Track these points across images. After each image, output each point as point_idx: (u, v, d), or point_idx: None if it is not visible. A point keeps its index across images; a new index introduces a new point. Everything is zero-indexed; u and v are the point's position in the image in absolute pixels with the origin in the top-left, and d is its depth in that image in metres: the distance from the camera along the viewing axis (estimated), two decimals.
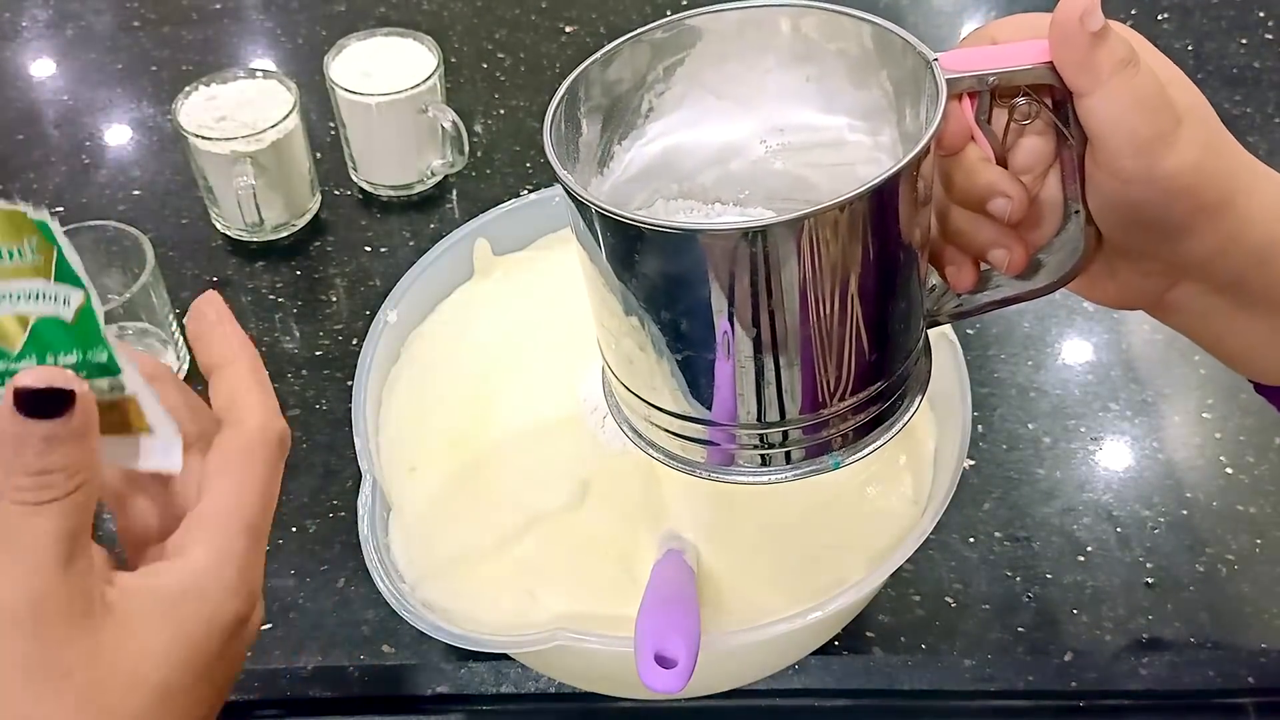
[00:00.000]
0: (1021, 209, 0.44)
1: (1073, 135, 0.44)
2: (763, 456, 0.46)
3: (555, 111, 0.44)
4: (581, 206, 0.41)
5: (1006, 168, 0.45)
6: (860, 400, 0.45)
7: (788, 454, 0.46)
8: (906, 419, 0.47)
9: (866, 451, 0.46)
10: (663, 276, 0.41)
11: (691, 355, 0.43)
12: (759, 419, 0.45)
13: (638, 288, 0.42)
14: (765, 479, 0.47)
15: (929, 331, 0.49)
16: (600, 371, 0.54)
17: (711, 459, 0.47)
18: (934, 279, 0.49)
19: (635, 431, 0.49)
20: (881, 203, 0.40)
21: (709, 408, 0.45)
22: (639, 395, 0.47)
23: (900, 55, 0.43)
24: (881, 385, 0.45)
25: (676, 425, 0.47)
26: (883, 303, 0.43)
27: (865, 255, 0.41)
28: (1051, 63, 0.42)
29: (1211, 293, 0.48)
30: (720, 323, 0.42)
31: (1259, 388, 0.53)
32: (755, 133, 0.47)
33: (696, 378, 0.44)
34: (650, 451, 0.49)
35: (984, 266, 0.48)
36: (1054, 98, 0.44)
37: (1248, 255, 0.46)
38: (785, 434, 0.45)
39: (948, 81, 0.42)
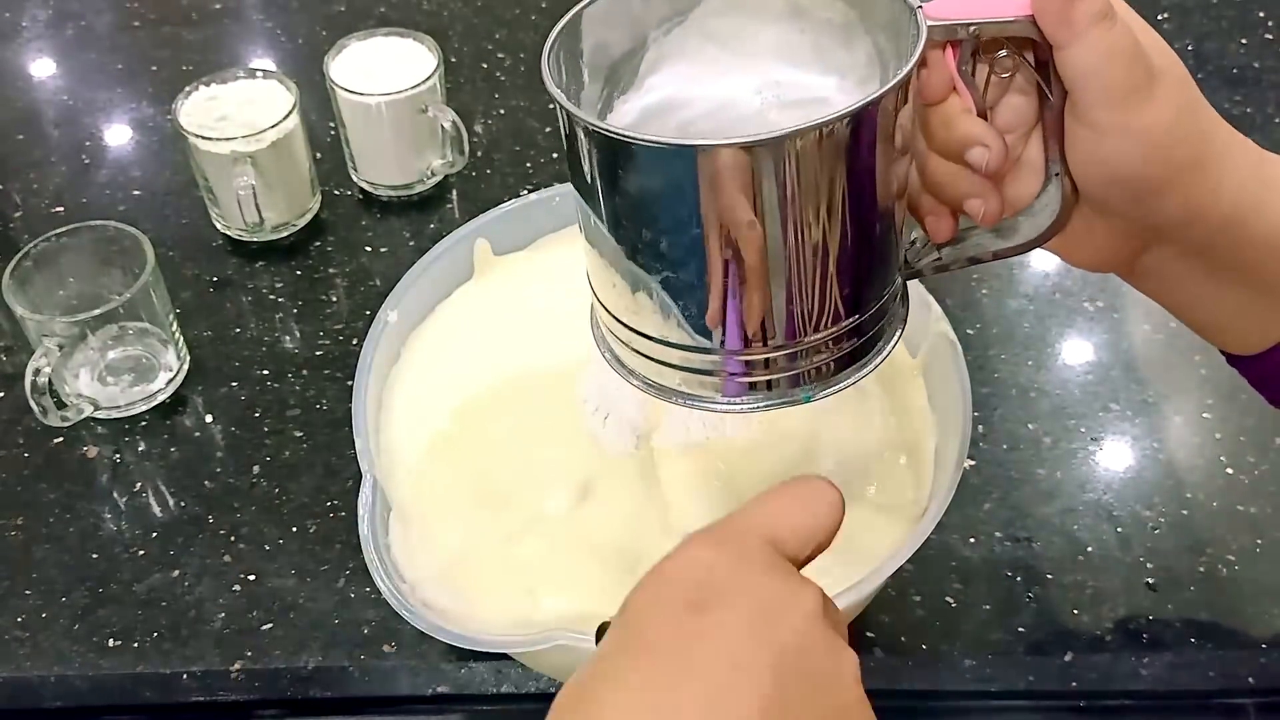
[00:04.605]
0: (999, 160, 0.45)
1: (1053, 92, 0.45)
2: (736, 384, 0.47)
3: (555, 40, 0.45)
4: (573, 124, 0.42)
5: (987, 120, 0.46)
6: (834, 333, 0.46)
7: (762, 383, 0.47)
8: (879, 360, 0.49)
9: (839, 387, 0.48)
10: (645, 192, 0.43)
11: (671, 276, 0.44)
12: (735, 345, 0.46)
13: (622, 205, 0.44)
14: (738, 407, 0.48)
15: (927, 316, 0.49)
16: (593, 373, 0.54)
17: (686, 385, 0.48)
18: (915, 233, 0.50)
19: (616, 358, 0.50)
20: (863, 127, 0.41)
21: (687, 331, 0.46)
22: (620, 319, 0.48)
23: (886, 5, 0.45)
24: (856, 321, 0.46)
25: (654, 350, 0.48)
26: (860, 234, 0.44)
27: (845, 181, 0.42)
28: (1032, 16, 0.43)
29: (1182, 257, 0.49)
30: (700, 241, 0.43)
31: (1230, 358, 0.53)
32: (752, 86, 0.47)
33: (676, 299, 0.45)
34: (630, 379, 0.50)
35: (962, 222, 0.49)
36: (1037, 56, 0.45)
37: (1217, 220, 0.47)
38: (760, 362, 0.46)
39: (929, 27, 0.43)
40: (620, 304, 0.48)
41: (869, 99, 0.40)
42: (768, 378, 0.47)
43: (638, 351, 0.48)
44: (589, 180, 0.44)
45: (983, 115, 0.46)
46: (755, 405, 0.48)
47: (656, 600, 0.39)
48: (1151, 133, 0.44)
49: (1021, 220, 0.49)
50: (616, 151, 0.42)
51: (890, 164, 0.43)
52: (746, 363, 0.46)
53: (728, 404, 0.48)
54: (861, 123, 0.41)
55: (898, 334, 0.49)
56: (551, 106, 0.44)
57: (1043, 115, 0.46)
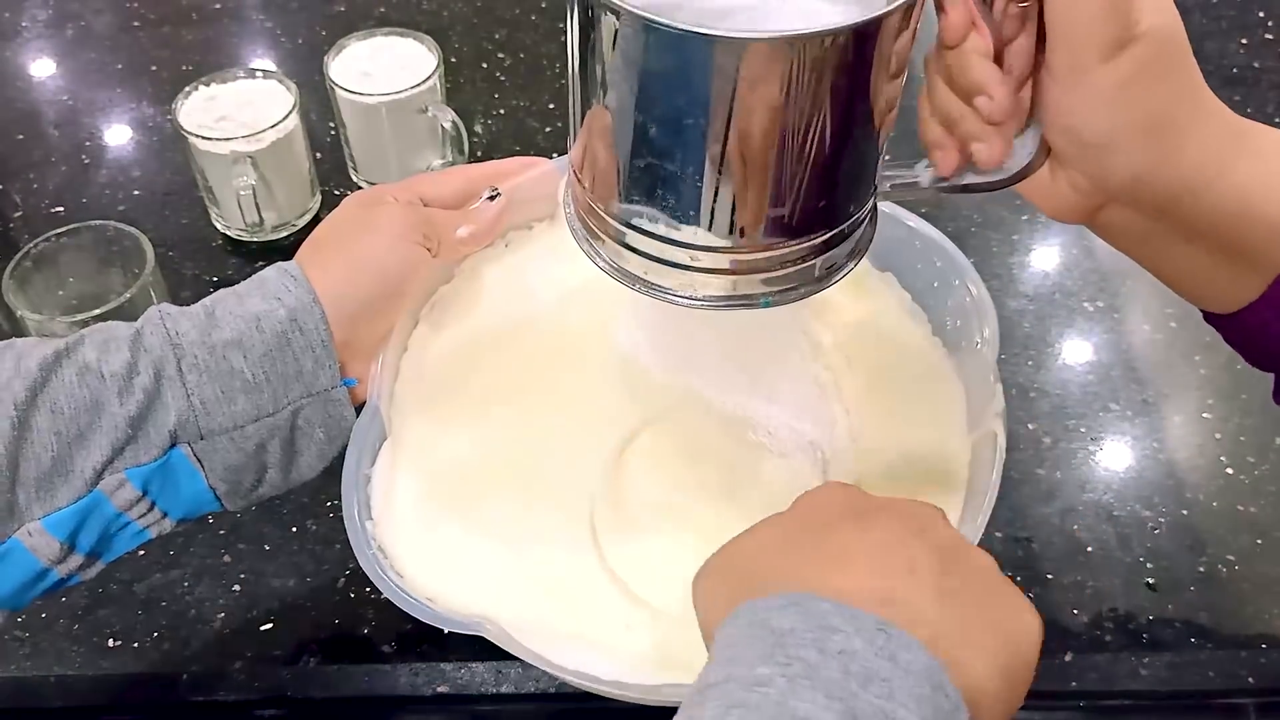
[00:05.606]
0: (1003, 111, 0.46)
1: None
2: (698, 280, 0.48)
3: None
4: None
5: (1002, 59, 0.46)
6: (803, 243, 0.47)
7: (725, 282, 0.48)
8: (841, 276, 0.49)
9: (799, 297, 0.49)
10: (643, 73, 0.43)
11: (654, 162, 0.45)
12: (704, 240, 0.46)
13: (613, 80, 0.44)
14: (697, 303, 0.49)
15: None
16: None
17: (650, 274, 0.49)
18: (887, 155, 0.51)
19: (586, 239, 0.51)
20: (860, 44, 0.41)
21: (661, 221, 0.46)
22: (594, 199, 0.49)
23: None
24: (825, 235, 0.47)
25: (626, 235, 0.48)
26: (845, 150, 0.45)
27: (833, 95, 0.42)
28: None
29: (1141, 218, 0.49)
30: (685, 131, 0.43)
31: (1208, 316, 0.53)
32: None
33: (653, 185, 0.45)
34: (596, 260, 0.50)
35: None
36: None
37: (1174, 184, 0.47)
38: (728, 262, 0.47)
39: None
40: (597, 184, 0.48)
41: (880, 13, 0.41)
42: (732, 278, 0.48)
43: (607, 234, 0.49)
44: (588, 54, 0.44)
45: (1000, 49, 0.46)
46: (715, 304, 0.48)
47: (827, 501, 0.45)
48: (1099, 90, 0.44)
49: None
50: (625, 29, 0.42)
51: (878, 86, 0.44)
52: (713, 260, 0.47)
53: (688, 298, 0.48)
54: (870, 37, 0.41)
55: (862, 254, 0.50)
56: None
57: (1037, 56, 0.47)
